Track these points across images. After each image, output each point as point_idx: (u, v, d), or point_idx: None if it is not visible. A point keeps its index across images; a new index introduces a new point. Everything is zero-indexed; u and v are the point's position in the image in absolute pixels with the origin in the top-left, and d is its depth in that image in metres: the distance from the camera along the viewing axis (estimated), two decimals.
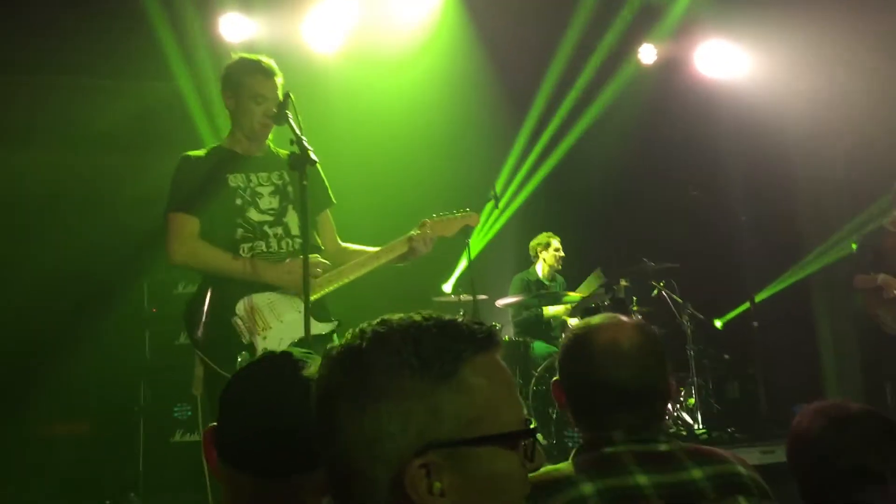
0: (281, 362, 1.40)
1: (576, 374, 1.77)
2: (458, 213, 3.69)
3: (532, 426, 1.01)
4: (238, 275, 3.11)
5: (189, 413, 5.20)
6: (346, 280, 3.30)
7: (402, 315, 1.02)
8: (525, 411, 1.03)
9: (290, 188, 3.31)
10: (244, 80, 3.27)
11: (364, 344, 0.98)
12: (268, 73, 3.26)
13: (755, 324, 6.68)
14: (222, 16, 6.01)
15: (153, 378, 5.35)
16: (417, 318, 1.00)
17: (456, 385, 0.95)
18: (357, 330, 1.01)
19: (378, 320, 1.01)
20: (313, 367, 1.41)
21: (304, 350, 1.46)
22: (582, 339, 1.76)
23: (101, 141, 5.69)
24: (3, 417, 5.09)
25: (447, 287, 6.75)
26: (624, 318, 1.84)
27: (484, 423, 0.96)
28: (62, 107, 5.75)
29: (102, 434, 5.32)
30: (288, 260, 3.16)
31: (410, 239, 3.40)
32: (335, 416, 0.97)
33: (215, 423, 1.38)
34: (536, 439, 1.01)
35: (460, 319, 1.01)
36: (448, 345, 0.97)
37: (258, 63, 3.29)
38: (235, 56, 3.37)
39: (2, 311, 5.20)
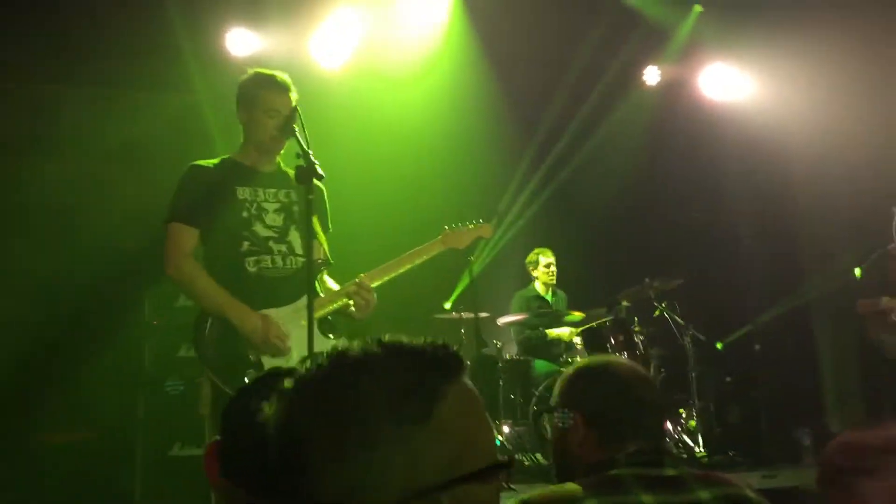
0: (286, 379, 1.40)
1: (608, 395, 1.83)
2: (470, 224, 3.72)
3: (507, 458, 0.97)
4: (215, 312, 3.09)
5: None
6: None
7: (359, 345, 0.96)
8: (498, 442, 1.00)
9: (295, 207, 3.31)
10: (258, 93, 3.28)
11: (330, 385, 0.93)
12: (282, 88, 3.27)
13: (757, 346, 6.67)
14: (229, 31, 6.04)
15: (152, 390, 5.34)
16: (378, 350, 0.95)
17: (433, 427, 0.91)
18: (315, 367, 0.96)
19: (336, 353, 0.96)
20: None
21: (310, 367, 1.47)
22: (604, 367, 1.86)
23: (105, 151, 5.70)
24: (3, 426, 5.06)
25: (448, 304, 6.74)
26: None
27: (463, 461, 0.92)
28: (68, 117, 5.77)
29: (101, 445, 5.29)
30: (268, 312, 3.14)
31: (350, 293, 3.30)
32: (307, 462, 0.91)
33: (218, 437, 1.38)
34: (512, 467, 0.98)
35: (423, 344, 0.96)
36: (419, 381, 0.92)
37: (273, 77, 3.31)
38: (250, 71, 3.39)
39: (3, 320, 5.19)
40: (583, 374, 1.89)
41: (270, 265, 3.19)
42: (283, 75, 3.32)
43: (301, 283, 3.11)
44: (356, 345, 0.97)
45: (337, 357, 0.96)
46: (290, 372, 1.40)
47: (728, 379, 6.73)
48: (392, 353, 0.94)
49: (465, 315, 6.17)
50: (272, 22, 6.07)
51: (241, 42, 6.04)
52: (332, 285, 3.37)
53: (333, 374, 0.94)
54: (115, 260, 5.49)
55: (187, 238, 3.18)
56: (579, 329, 6.35)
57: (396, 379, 0.92)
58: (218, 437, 1.37)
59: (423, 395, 0.91)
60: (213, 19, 5.97)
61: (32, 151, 5.60)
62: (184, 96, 5.83)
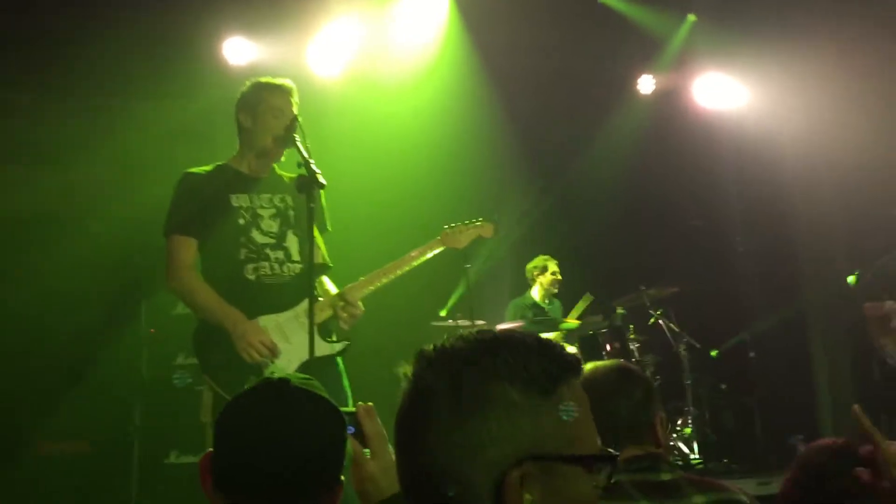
0: (277, 390, 1.39)
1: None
2: (471, 223, 3.70)
3: (613, 454, 1.04)
4: (214, 322, 3.11)
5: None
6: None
7: (497, 330, 1.06)
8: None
9: (291, 212, 3.32)
10: (263, 95, 3.32)
11: (468, 351, 1.01)
12: (286, 91, 3.32)
13: (752, 354, 6.69)
14: (226, 40, 6.06)
15: (149, 398, 5.33)
16: (517, 334, 1.04)
17: (555, 403, 0.99)
18: (457, 336, 1.04)
19: (477, 331, 1.05)
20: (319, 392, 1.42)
21: (302, 376, 1.46)
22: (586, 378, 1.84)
23: (102, 160, 5.70)
24: (3, 436, 5.06)
25: (444, 312, 6.74)
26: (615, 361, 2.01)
27: (578, 443, 0.99)
28: (65, 126, 5.77)
29: (97, 454, 5.28)
30: (269, 318, 3.16)
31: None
32: (431, 417, 0.98)
33: (212, 450, 1.38)
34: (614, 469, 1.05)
35: (553, 343, 1.05)
36: (549, 364, 1.01)
37: (275, 81, 3.36)
38: (251, 81, 3.42)
39: (7, 329, 5.20)
40: None
41: (269, 272, 3.21)
42: (286, 80, 3.36)
43: (300, 288, 3.14)
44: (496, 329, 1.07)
45: (478, 332, 1.04)
46: (283, 380, 1.40)
47: (723, 386, 6.76)
48: (530, 338, 1.03)
49: (461, 322, 6.17)
50: (269, 31, 6.09)
51: (239, 51, 6.05)
52: (331, 288, 3.39)
53: (474, 342, 1.02)
54: (112, 269, 5.49)
55: (187, 250, 3.20)
56: (566, 334, 6.39)
57: (534, 357, 1.00)
58: (211, 450, 1.38)
59: (553, 375, 1.00)
60: (210, 28, 5.99)
61: (28, 161, 5.60)
62: (181, 105, 5.84)
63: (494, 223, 3.80)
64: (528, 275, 6.81)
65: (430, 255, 3.53)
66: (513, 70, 6.75)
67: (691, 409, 6.15)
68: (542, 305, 6.71)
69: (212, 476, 1.37)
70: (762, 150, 7.04)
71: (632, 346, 6.01)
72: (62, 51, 5.46)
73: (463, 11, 6.53)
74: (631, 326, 6.24)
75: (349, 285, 3.33)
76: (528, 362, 0.99)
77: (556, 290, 6.74)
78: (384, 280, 3.35)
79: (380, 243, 4.82)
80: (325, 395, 1.43)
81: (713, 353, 6.95)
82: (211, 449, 1.38)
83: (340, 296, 3.27)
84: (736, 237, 7.55)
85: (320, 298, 3.23)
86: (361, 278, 3.34)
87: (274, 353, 3.08)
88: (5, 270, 5.43)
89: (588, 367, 1.91)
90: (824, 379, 7.43)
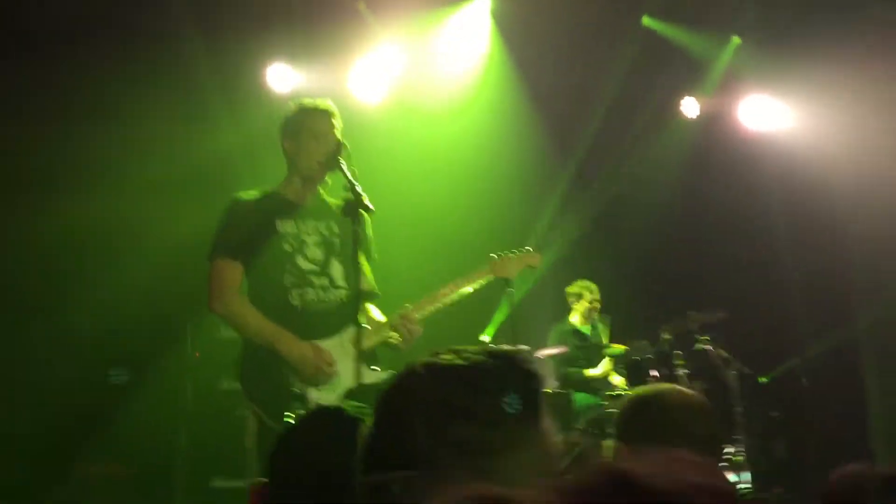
0: (333, 419, 1.36)
1: (652, 426, 1.85)
2: (519, 252, 3.66)
3: None
4: (264, 345, 3.10)
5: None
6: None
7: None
8: None
9: (336, 239, 3.32)
10: (303, 119, 3.34)
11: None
12: (326, 113, 3.33)
13: (804, 380, 6.53)
14: (269, 66, 6.13)
15: (193, 423, 5.35)
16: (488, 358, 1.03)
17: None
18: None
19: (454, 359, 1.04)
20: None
21: (357, 404, 1.43)
22: (652, 396, 1.84)
23: (146, 186, 5.77)
24: (47, 459, 5.10)
25: (486, 337, 6.68)
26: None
27: None
28: (110, 152, 5.86)
29: (142, 477, 5.30)
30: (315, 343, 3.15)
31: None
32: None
33: (265, 479, 1.35)
34: None
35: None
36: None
37: (315, 104, 3.37)
38: (293, 104, 3.44)
39: (51, 353, 5.26)
40: (630, 404, 1.89)
41: (315, 298, 3.21)
42: (326, 101, 3.37)
43: (345, 315, 3.12)
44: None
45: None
46: (337, 410, 1.38)
47: (774, 414, 6.59)
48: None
49: (504, 347, 6.12)
50: (313, 58, 6.16)
51: (282, 77, 6.12)
52: (378, 316, 3.37)
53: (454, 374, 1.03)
54: (159, 293, 5.54)
55: (232, 274, 3.20)
56: (614, 365, 6.29)
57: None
58: (264, 480, 1.35)
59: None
60: (254, 55, 6.07)
61: (72, 188, 5.68)
62: (226, 132, 5.91)
63: (536, 247, 3.77)
64: (567, 299, 6.75)
65: (478, 283, 3.50)
66: (556, 93, 6.74)
67: (742, 437, 5.99)
68: (583, 331, 6.63)
69: None
70: (808, 172, 6.92)
71: (679, 373, 5.89)
72: (106, 76, 5.55)
73: (505, 36, 6.55)
74: (678, 353, 6.11)
75: (401, 310, 3.30)
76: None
77: (596, 317, 6.67)
78: (432, 308, 3.32)
79: (425, 271, 4.81)
80: None
81: (762, 380, 6.79)
82: (263, 479, 1.36)
83: (402, 316, 3.25)
84: (786, 260, 7.40)
85: (366, 326, 3.21)
86: (408, 305, 3.31)
87: (335, 367, 3.07)
88: (55, 296, 5.51)
89: (654, 389, 1.93)
90: (877, 407, 7.23)
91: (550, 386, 6.42)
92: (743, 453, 5.92)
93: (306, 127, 3.31)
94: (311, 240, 3.30)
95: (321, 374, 3.04)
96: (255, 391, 3.07)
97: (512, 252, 3.67)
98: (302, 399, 2.95)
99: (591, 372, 6.38)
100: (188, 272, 4.96)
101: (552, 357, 6.38)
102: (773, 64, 7.02)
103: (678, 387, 2.01)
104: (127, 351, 5.53)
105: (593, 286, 6.69)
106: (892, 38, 6.26)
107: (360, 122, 5.97)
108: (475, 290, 3.50)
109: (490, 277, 3.57)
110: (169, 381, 5.48)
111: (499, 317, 6.43)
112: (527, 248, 3.74)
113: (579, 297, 6.65)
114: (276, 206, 3.32)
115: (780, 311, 7.31)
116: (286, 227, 3.28)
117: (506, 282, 4.01)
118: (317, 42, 6.16)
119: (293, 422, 1.50)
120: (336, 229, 3.33)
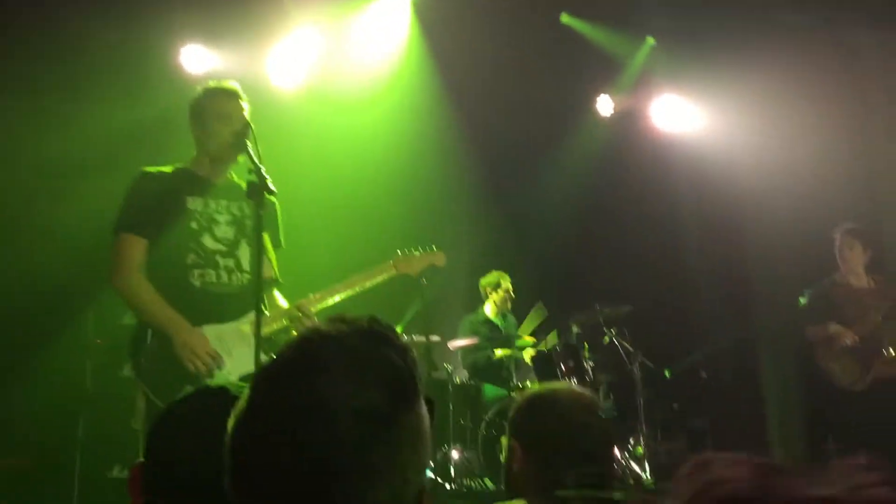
0: (216, 398, 1.32)
1: (546, 426, 1.87)
2: (423, 250, 3.68)
3: None
4: (155, 326, 3.04)
5: None
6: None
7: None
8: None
9: (247, 221, 3.27)
10: (208, 102, 3.29)
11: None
12: (231, 94, 3.28)
13: (703, 374, 6.74)
14: (184, 47, 5.98)
15: (93, 411, 5.18)
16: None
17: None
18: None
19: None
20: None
21: (241, 384, 1.40)
22: (546, 397, 1.87)
23: (46, 165, 5.55)
24: None
25: (399, 328, 6.69)
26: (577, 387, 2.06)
27: None
28: (14, 129, 5.62)
29: (38, 467, 5.11)
30: (211, 328, 3.09)
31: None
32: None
33: (142, 460, 1.31)
34: None
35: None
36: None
37: (221, 85, 3.32)
38: (200, 87, 3.38)
39: None
40: (525, 404, 1.93)
41: (215, 280, 3.15)
42: (231, 83, 3.32)
43: (247, 300, 3.07)
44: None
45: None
46: (222, 389, 1.34)
47: (675, 406, 6.79)
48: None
49: (416, 338, 6.13)
50: (229, 39, 6.03)
51: (197, 58, 5.97)
52: (282, 302, 3.33)
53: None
54: (56, 277, 5.34)
55: (136, 249, 3.12)
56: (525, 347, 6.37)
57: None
58: (142, 461, 1.31)
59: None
60: (169, 35, 5.90)
61: None
62: (134, 110, 5.73)
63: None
64: (482, 290, 6.80)
65: (381, 278, 3.50)
66: (472, 86, 6.77)
67: (643, 428, 6.15)
68: (496, 322, 6.70)
69: (141, 487, 1.30)
70: (717, 172, 7.14)
71: (586, 365, 6.02)
72: (14, 49, 5.33)
73: (424, 27, 6.55)
74: (585, 345, 6.24)
75: (303, 300, 3.27)
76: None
77: (509, 307, 6.75)
78: (335, 298, 3.31)
79: (332, 259, 4.77)
80: None
81: (666, 373, 6.99)
82: (142, 459, 1.31)
83: (299, 307, 3.22)
84: (691, 257, 7.62)
85: (266, 313, 3.15)
86: (311, 295, 3.29)
87: (218, 364, 3.01)
88: None
89: (547, 389, 1.96)
90: (774, 400, 7.52)
91: (461, 377, 6.47)
92: (643, 446, 6.09)
93: (212, 108, 3.26)
94: (222, 218, 3.24)
95: (200, 366, 2.97)
96: (145, 370, 2.99)
97: (416, 250, 3.68)
98: (194, 382, 2.89)
99: (499, 351, 6.44)
100: (89, 255, 4.81)
101: (463, 348, 6.43)
102: (685, 66, 7.21)
103: (571, 386, 2.10)
104: (25, 337, 5.31)
105: (507, 276, 6.76)
106: (797, 43, 6.50)
107: (276, 106, 5.89)
108: (377, 285, 3.49)
109: (393, 273, 3.56)
110: (69, 368, 5.30)
111: (412, 309, 6.45)
112: (432, 246, 3.76)
113: (496, 286, 6.70)
114: (187, 182, 3.25)
115: (684, 306, 7.54)
116: (195, 203, 3.21)
117: (411, 278, 4.02)
118: (233, 24, 6.02)
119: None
120: (246, 210, 3.28)
